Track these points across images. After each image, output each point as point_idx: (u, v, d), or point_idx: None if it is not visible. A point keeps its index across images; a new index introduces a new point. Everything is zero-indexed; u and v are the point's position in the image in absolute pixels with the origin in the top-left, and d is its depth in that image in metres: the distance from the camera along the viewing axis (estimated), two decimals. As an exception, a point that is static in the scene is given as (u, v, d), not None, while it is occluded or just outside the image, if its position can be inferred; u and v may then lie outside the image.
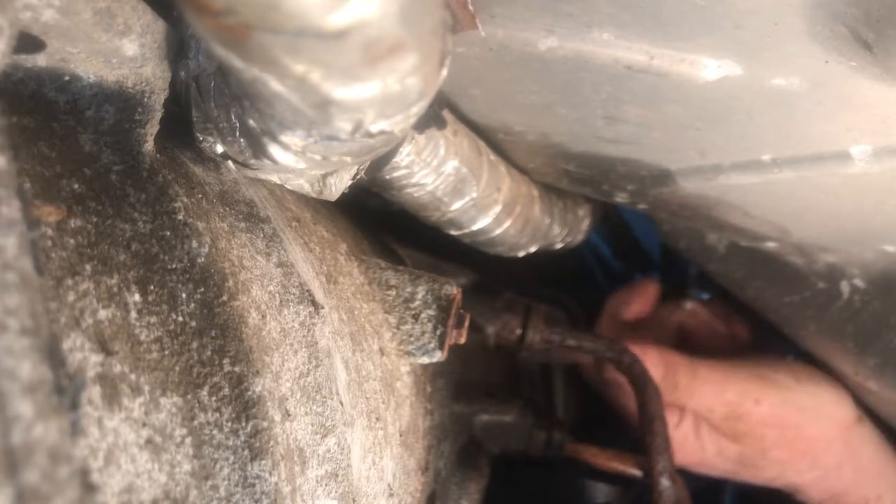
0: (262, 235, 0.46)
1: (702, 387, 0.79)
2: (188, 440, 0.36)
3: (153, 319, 0.36)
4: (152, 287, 0.37)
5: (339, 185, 0.49)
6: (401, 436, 0.56)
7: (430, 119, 0.55)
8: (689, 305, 0.93)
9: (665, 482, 0.72)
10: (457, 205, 0.61)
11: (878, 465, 0.81)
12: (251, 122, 0.38)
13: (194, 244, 0.39)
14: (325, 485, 0.44)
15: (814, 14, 0.42)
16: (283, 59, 0.29)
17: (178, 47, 0.40)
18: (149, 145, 0.40)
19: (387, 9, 0.28)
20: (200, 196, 0.43)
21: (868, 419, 0.81)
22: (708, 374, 0.80)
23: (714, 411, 0.79)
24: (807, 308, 0.75)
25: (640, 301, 0.91)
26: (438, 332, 0.56)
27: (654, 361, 0.80)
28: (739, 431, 0.78)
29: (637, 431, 0.80)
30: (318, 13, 0.27)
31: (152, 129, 0.40)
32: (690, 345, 0.87)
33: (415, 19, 0.30)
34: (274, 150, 0.40)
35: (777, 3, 0.42)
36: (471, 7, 0.45)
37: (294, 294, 0.45)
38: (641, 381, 0.75)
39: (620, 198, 0.71)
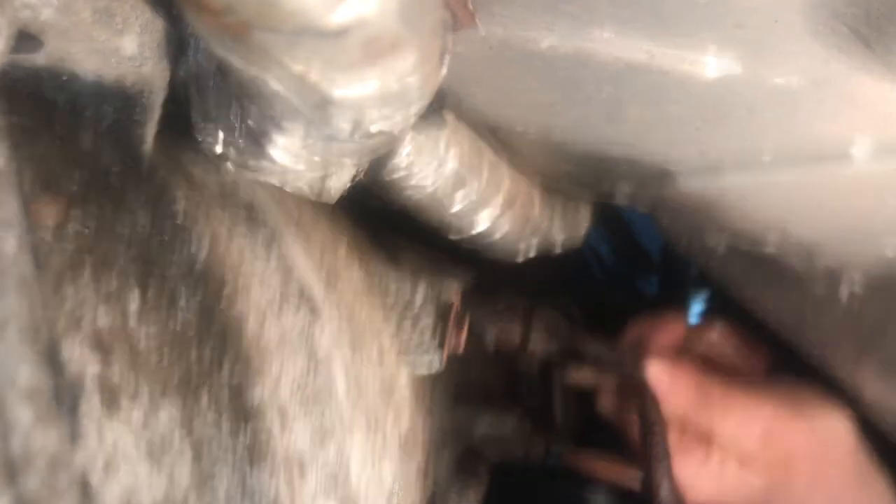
0: (261, 237, 0.45)
1: (737, 405, 0.76)
2: (187, 446, 0.35)
3: (152, 324, 0.36)
4: (151, 290, 0.37)
5: (338, 187, 0.48)
6: (400, 442, 0.56)
7: (430, 119, 0.54)
8: (714, 335, 0.91)
9: (664, 490, 0.72)
10: (456, 205, 0.61)
11: (880, 491, 0.80)
12: (250, 122, 0.38)
13: (193, 246, 0.39)
14: (325, 491, 0.43)
15: (814, 12, 0.42)
16: (283, 58, 0.29)
17: (178, 46, 0.40)
18: (148, 145, 0.40)
19: (386, 7, 0.28)
20: (199, 197, 0.43)
21: (864, 441, 0.80)
22: (740, 393, 0.78)
23: (749, 433, 0.77)
24: (807, 309, 0.75)
25: (666, 332, 0.89)
26: (438, 337, 0.56)
27: (687, 379, 0.78)
28: (771, 457, 0.77)
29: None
30: (318, 12, 0.27)
31: (151, 128, 0.40)
32: (714, 372, 0.86)
33: (414, 18, 0.30)
34: (273, 150, 0.39)
35: (777, 1, 0.42)
36: (470, 5, 0.44)
37: (293, 298, 0.45)
38: (640, 388, 0.75)
39: (620, 198, 0.71)
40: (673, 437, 0.75)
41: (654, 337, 0.87)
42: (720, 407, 0.77)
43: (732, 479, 0.78)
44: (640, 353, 0.83)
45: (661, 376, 0.78)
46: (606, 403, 0.85)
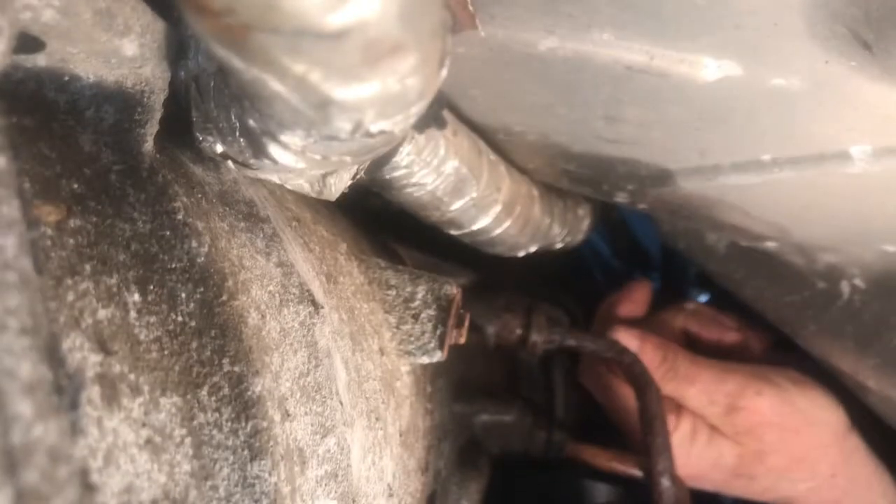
0: (261, 235, 0.46)
1: (703, 373, 0.78)
2: (188, 440, 0.36)
3: (153, 319, 0.36)
4: (152, 287, 0.37)
5: (338, 185, 0.49)
6: (401, 436, 0.56)
7: (430, 119, 0.55)
8: (690, 306, 0.92)
9: (665, 482, 0.72)
10: (457, 204, 0.61)
11: (868, 475, 0.80)
12: (251, 122, 0.38)
13: (194, 244, 0.39)
14: (325, 485, 0.44)
15: (814, 14, 0.42)
16: (283, 60, 0.29)
17: (178, 47, 0.40)
18: (148, 145, 0.40)
19: (386, 9, 0.28)
20: (200, 196, 0.43)
21: (857, 429, 0.80)
22: (708, 364, 0.79)
23: (716, 403, 0.77)
24: (807, 308, 0.75)
25: (631, 301, 0.90)
26: (438, 332, 0.56)
27: (655, 345, 0.79)
28: (740, 429, 0.77)
29: (633, 437, 0.80)
30: (318, 13, 0.27)
31: (152, 128, 0.40)
32: (699, 349, 0.86)
33: (415, 20, 0.30)
34: (274, 150, 0.40)
35: (777, 3, 0.42)
36: (471, 7, 0.45)
37: (294, 294, 0.45)
38: (642, 381, 0.75)
39: (620, 198, 0.71)
40: None
41: (618, 308, 0.88)
42: (686, 375, 0.78)
43: (703, 446, 0.79)
44: (607, 324, 0.84)
45: (628, 342, 0.79)
46: (587, 374, 0.86)
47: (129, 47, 0.37)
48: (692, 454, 0.78)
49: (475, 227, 0.66)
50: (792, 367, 0.82)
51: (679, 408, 0.79)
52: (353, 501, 0.46)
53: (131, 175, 0.39)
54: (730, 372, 0.78)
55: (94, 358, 0.32)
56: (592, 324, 0.92)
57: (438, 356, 0.56)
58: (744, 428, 0.77)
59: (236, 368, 0.39)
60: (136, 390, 0.34)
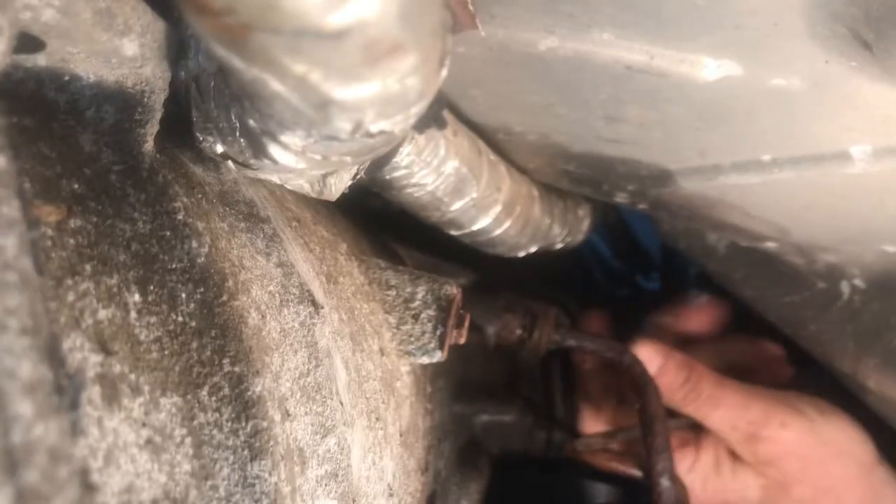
0: (262, 235, 0.46)
1: (728, 398, 0.76)
2: (188, 440, 0.36)
3: (153, 319, 0.36)
4: (152, 287, 0.37)
5: (338, 185, 0.49)
6: (401, 436, 0.56)
7: (430, 119, 0.55)
8: (734, 342, 0.90)
9: (665, 482, 0.72)
10: (457, 205, 0.61)
11: None
12: (251, 122, 0.38)
13: (194, 244, 0.39)
14: (325, 485, 0.44)
15: (814, 14, 0.42)
16: (283, 59, 0.29)
17: (179, 47, 0.40)
18: (149, 145, 0.40)
19: (386, 9, 0.28)
20: (200, 196, 0.43)
21: (886, 462, 0.78)
22: (734, 388, 0.77)
23: (737, 429, 0.76)
24: (807, 308, 0.75)
25: (697, 318, 0.88)
26: (438, 332, 0.56)
27: (678, 364, 0.78)
28: (761, 458, 0.76)
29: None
30: (318, 13, 0.27)
31: (152, 128, 0.40)
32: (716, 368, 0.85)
33: (414, 19, 0.30)
34: (274, 150, 0.40)
35: (777, 3, 0.42)
36: (471, 7, 0.45)
37: (294, 294, 0.45)
38: (641, 382, 0.75)
39: (620, 198, 0.71)
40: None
41: (674, 322, 0.87)
42: (709, 397, 0.77)
43: (728, 479, 0.77)
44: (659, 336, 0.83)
45: (651, 358, 0.78)
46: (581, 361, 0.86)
47: (130, 47, 0.37)
48: (716, 487, 0.77)
49: (475, 228, 0.66)
50: (815, 391, 0.80)
51: (698, 437, 0.79)
52: (353, 501, 0.47)
53: (131, 175, 0.39)
54: (755, 398, 0.77)
55: (95, 358, 0.32)
56: (638, 328, 0.90)
57: (438, 356, 0.56)
58: (765, 458, 0.76)
59: (236, 368, 0.39)
60: (136, 390, 0.34)
